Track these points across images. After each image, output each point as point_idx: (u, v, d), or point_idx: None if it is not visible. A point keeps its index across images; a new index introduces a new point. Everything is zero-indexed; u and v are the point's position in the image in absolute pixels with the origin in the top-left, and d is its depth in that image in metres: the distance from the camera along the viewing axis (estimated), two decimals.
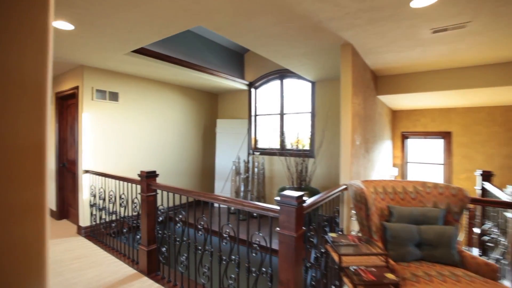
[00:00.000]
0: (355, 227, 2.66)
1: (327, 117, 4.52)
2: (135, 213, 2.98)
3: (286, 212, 1.60)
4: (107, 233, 3.46)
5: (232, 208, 2.25)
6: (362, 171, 3.33)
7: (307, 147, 4.87)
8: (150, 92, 4.59)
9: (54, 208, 4.53)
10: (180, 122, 5.11)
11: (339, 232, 2.56)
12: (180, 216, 2.47)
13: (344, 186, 2.61)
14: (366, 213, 2.06)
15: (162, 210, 2.70)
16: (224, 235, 2.08)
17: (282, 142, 5.05)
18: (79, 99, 3.81)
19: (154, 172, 2.74)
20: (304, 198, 1.66)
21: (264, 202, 4.98)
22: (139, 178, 2.77)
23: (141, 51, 3.43)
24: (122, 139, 4.18)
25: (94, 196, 3.68)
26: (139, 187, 2.80)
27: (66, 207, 4.44)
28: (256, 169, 4.97)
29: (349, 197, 2.62)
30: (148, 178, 2.68)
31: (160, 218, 2.74)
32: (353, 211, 2.46)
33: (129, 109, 4.29)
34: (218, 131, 5.48)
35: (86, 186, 3.79)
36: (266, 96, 5.43)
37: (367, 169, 3.62)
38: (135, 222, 3.02)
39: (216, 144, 5.51)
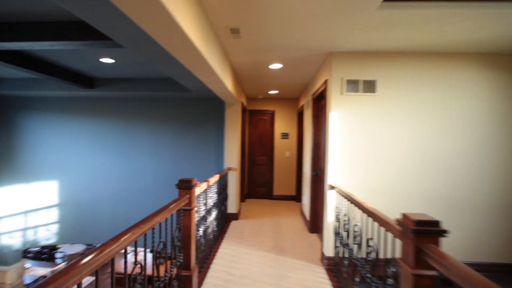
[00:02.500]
0: None
1: None
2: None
3: None
4: (348, 276, 2.37)
5: None
6: None
7: None
8: (423, 75, 2.93)
9: (308, 216, 4.24)
10: (482, 119, 2.93)
11: None
12: None
13: None
14: None
15: None
16: None
17: None
18: (327, 95, 3.08)
19: (436, 224, 1.21)
20: None
21: None
22: (397, 227, 1.38)
23: None
24: (376, 146, 2.93)
25: (338, 222, 2.75)
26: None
27: (318, 222, 3.96)
28: None
29: None
30: (421, 236, 1.21)
31: None
32: None
33: (390, 103, 2.94)
34: None
35: (331, 205, 2.96)
36: None
37: None
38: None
39: None
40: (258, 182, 6.39)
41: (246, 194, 6.36)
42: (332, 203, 2.95)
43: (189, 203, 2.20)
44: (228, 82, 3.45)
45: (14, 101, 5.29)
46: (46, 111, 5.29)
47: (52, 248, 5.69)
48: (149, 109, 5.24)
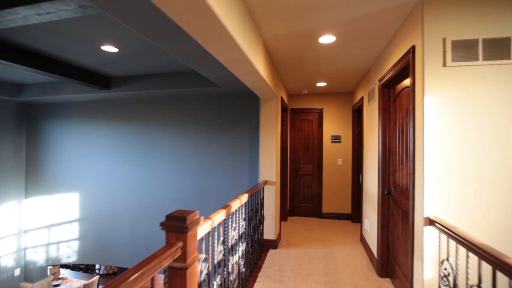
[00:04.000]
0: None
1: None
2: None
3: None
4: None
5: None
6: None
7: None
8: None
9: (375, 251, 3.02)
10: None
11: None
12: None
13: None
14: None
15: None
16: None
17: None
18: (416, 71, 1.90)
19: None
20: None
21: None
22: None
23: None
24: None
25: (445, 278, 1.55)
26: None
27: (391, 261, 2.72)
28: None
29: None
30: None
31: None
32: None
33: None
34: None
35: (430, 252, 1.76)
36: None
37: None
38: None
39: None
40: (303, 196, 5.26)
41: (288, 210, 5.28)
42: (432, 248, 1.75)
43: (182, 256, 1.25)
44: (259, 64, 2.48)
45: (37, 108, 5.05)
46: (68, 117, 4.94)
47: None
48: (171, 110, 4.53)
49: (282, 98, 4.07)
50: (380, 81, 2.87)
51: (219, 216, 1.79)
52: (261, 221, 3.41)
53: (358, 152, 4.85)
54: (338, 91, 4.97)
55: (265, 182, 3.57)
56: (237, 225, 2.32)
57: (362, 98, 3.95)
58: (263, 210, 3.52)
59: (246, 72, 2.50)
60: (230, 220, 2.11)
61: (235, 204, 2.17)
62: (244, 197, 2.46)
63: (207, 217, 1.69)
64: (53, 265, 5.65)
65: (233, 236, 2.21)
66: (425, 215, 1.76)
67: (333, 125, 5.12)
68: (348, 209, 5.04)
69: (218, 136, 4.36)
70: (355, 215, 4.86)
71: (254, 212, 3.07)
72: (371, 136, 3.36)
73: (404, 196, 2.34)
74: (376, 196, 3.05)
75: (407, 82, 2.28)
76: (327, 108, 5.15)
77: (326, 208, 5.14)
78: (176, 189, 4.45)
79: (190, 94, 4.35)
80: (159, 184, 4.51)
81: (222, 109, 4.37)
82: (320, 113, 5.18)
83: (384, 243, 2.82)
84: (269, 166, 3.63)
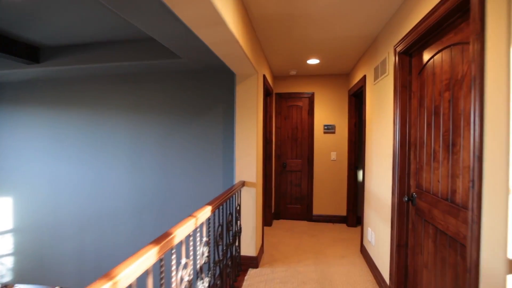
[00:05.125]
0: None
1: None
2: None
3: None
4: None
5: None
6: None
7: None
8: None
9: (385, 274, 2.29)
10: None
11: None
12: None
13: None
14: None
15: None
16: None
17: None
18: (487, 7, 1.11)
19: None
20: None
21: None
22: None
23: None
24: None
25: None
26: None
27: None
28: None
29: None
30: None
31: None
32: None
33: None
34: None
35: None
36: None
37: None
38: None
39: None
40: (291, 197, 4.50)
41: (273, 213, 4.51)
42: None
43: None
44: (226, 12, 1.62)
45: None
46: (2, 102, 3.90)
47: None
48: (124, 92, 3.59)
49: (265, 77, 3.23)
50: (397, 46, 2.09)
51: (142, 262, 0.96)
52: (237, 235, 2.60)
53: (355, 144, 4.10)
54: (332, 72, 4.18)
55: (243, 184, 2.75)
56: (193, 256, 1.50)
57: (364, 78, 3.18)
58: (239, 220, 2.71)
59: (206, 22, 1.63)
60: (175, 255, 1.28)
61: (185, 228, 1.34)
62: (204, 213, 1.63)
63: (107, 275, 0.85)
64: None
65: (182, 279, 1.39)
66: (510, 256, 1.00)
67: (326, 112, 4.34)
68: (343, 211, 4.33)
69: (184, 125, 3.48)
70: (351, 218, 4.15)
71: (226, 227, 2.25)
72: (378, 124, 2.59)
73: (440, 208, 1.58)
74: (388, 202, 2.31)
75: (454, 37, 1.50)
76: (319, 92, 4.36)
77: (317, 209, 4.40)
78: (132, 191, 3.56)
79: (148, 71, 3.43)
80: (111, 186, 3.60)
81: (188, 90, 3.47)
82: (310, 99, 4.38)
83: (401, 268, 2.08)
84: (247, 164, 2.81)
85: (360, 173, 4.32)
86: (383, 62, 2.45)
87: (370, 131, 2.95)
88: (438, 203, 1.61)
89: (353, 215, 4.14)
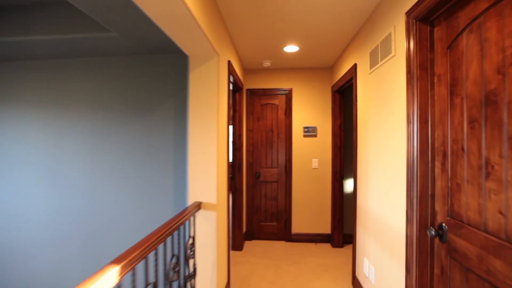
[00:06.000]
0: None
1: None
2: None
3: None
4: None
5: None
6: None
7: None
8: None
9: None
10: None
11: None
12: None
13: None
14: None
15: None
16: None
17: None
18: None
19: None
20: None
21: None
22: None
23: None
24: None
25: None
26: None
27: None
28: None
29: None
30: None
31: None
32: None
33: None
34: None
35: None
36: None
37: None
38: None
39: None
40: (266, 212, 3.79)
41: (245, 233, 3.77)
42: None
43: None
44: None
45: None
46: None
47: None
48: (44, 82, 2.70)
49: (230, 64, 2.51)
50: (411, 12, 1.46)
51: None
52: (189, 281, 1.83)
53: (341, 149, 3.50)
54: (313, 65, 3.57)
55: (198, 207, 1.99)
56: None
57: (353, 68, 2.56)
58: (194, 258, 1.94)
59: None
60: None
61: None
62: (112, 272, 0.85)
63: None
64: None
65: None
66: None
67: (307, 112, 3.71)
68: (327, 228, 3.69)
69: (122, 126, 2.65)
70: (337, 237, 3.52)
71: (167, 278, 1.47)
72: (379, 124, 1.97)
73: (506, 260, 0.94)
74: (398, 230, 1.66)
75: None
76: (298, 88, 3.72)
77: (296, 227, 3.73)
78: (52, 213, 2.65)
79: (71, 53, 2.57)
80: (24, 206, 2.67)
81: (127, 81, 2.66)
82: (288, 96, 3.73)
83: None
84: (205, 179, 2.05)
85: (347, 183, 3.71)
86: (386, 41, 1.82)
87: (364, 133, 2.32)
88: (501, 249, 0.97)
89: (339, 233, 3.51)
